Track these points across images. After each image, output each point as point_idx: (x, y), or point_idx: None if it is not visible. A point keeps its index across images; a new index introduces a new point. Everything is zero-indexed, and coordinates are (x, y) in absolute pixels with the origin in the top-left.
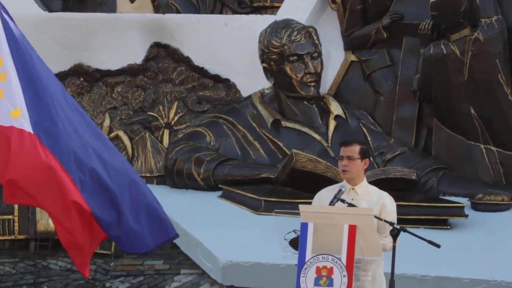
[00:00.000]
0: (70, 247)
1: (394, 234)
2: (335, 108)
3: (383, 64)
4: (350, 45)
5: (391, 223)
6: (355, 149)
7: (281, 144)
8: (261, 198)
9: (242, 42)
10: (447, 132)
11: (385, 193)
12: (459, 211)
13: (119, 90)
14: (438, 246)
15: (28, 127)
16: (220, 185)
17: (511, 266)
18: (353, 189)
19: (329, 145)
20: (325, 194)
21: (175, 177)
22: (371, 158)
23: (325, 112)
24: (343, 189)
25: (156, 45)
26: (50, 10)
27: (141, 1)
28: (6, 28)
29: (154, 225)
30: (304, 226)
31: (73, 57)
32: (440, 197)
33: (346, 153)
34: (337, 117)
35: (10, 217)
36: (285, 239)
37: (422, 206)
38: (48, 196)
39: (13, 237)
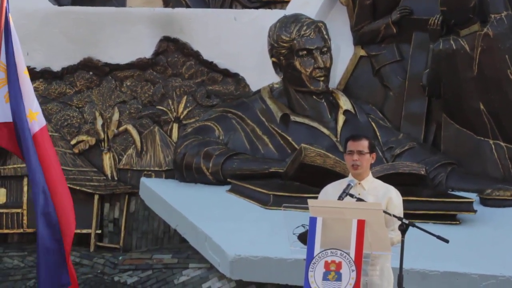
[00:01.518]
0: None
1: (403, 229)
2: (344, 103)
3: (393, 59)
4: (359, 40)
5: (400, 218)
6: (365, 143)
7: (290, 139)
8: (270, 192)
9: (252, 36)
10: (456, 127)
11: (391, 186)
12: (468, 207)
13: (128, 84)
14: (446, 241)
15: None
16: (229, 180)
17: None
18: (359, 183)
19: (338, 139)
20: (331, 190)
21: (184, 171)
22: (379, 153)
23: (334, 106)
24: (352, 184)
25: (166, 39)
26: (60, 4)
27: None
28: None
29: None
30: (313, 221)
31: (83, 51)
32: (448, 192)
33: (357, 147)
34: (346, 112)
35: (19, 210)
36: (293, 234)
37: (430, 201)
38: None
39: (21, 230)
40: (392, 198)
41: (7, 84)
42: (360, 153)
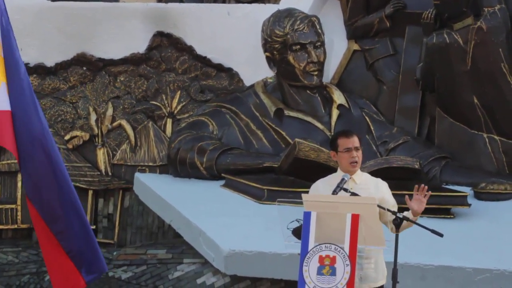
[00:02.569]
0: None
1: (397, 223)
2: (338, 97)
3: (386, 53)
4: (353, 34)
5: (394, 212)
6: (356, 139)
7: (284, 133)
8: (264, 187)
9: (245, 31)
10: (450, 121)
11: (379, 180)
12: (462, 200)
13: (122, 79)
14: (441, 235)
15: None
16: (223, 174)
17: None
18: (350, 178)
19: (332, 134)
20: (321, 185)
21: (178, 166)
22: (373, 147)
23: (328, 101)
24: (346, 179)
25: (159, 34)
26: None
27: None
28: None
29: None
30: (307, 215)
31: (76, 46)
32: (443, 186)
33: (354, 144)
34: (340, 106)
35: (13, 206)
36: (288, 228)
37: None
38: None
39: (16, 226)
40: (385, 198)
41: None
42: (357, 149)
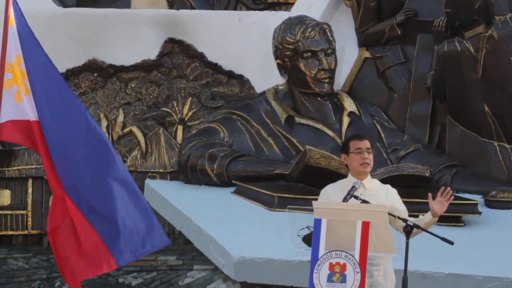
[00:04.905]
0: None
1: (408, 231)
2: (349, 105)
3: (397, 61)
4: (364, 41)
5: (404, 220)
6: (368, 143)
7: (294, 141)
8: (275, 194)
9: (256, 38)
10: (461, 129)
11: (389, 187)
12: (472, 208)
13: (133, 85)
14: (451, 243)
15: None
16: (233, 181)
17: None
18: (361, 184)
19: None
20: (331, 191)
21: (189, 173)
22: (384, 154)
23: (339, 108)
24: (356, 186)
25: (170, 41)
26: (64, 5)
27: None
28: (19, 27)
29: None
30: (318, 223)
31: (87, 53)
32: (453, 194)
33: (365, 145)
34: (350, 113)
35: (24, 212)
36: (298, 235)
37: None
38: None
39: (26, 232)
40: (395, 205)
41: (16, 84)
42: (368, 152)
